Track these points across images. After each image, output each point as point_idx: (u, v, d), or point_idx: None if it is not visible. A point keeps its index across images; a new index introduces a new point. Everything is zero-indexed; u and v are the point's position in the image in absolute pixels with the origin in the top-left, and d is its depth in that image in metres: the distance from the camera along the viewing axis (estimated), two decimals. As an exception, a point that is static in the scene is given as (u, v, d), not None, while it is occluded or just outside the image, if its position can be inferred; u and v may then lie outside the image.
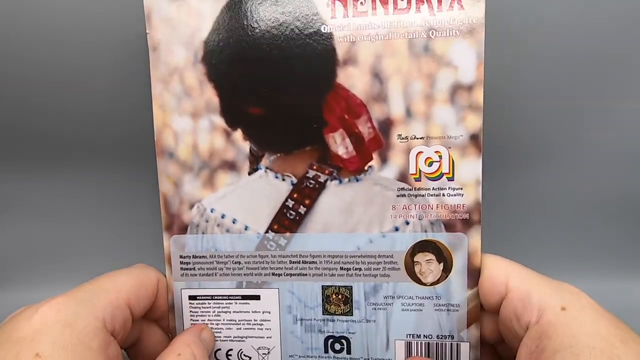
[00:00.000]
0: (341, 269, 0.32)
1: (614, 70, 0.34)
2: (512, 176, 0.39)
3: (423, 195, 0.31)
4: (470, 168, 0.31)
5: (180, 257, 0.34)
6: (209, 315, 0.34)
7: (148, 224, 0.37)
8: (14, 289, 0.39)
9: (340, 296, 0.33)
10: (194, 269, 0.34)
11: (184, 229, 0.33)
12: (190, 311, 0.34)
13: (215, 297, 0.34)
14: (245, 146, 0.32)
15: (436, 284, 0.32)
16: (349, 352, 0.33)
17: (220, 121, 0.32)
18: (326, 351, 0.33)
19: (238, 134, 0.32)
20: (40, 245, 0.39)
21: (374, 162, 0.31)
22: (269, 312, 0.33)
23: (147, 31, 0.32)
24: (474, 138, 0.30)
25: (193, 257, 0.34)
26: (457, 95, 0.30)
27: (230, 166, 0.33)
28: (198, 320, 0.33)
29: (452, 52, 0.30)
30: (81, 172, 0.40)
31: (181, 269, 0.34)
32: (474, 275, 0.31)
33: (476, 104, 0.30)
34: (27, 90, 0.36)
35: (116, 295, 0.27)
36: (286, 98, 0.31)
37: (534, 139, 0.38)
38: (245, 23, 0.30)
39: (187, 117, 0.32)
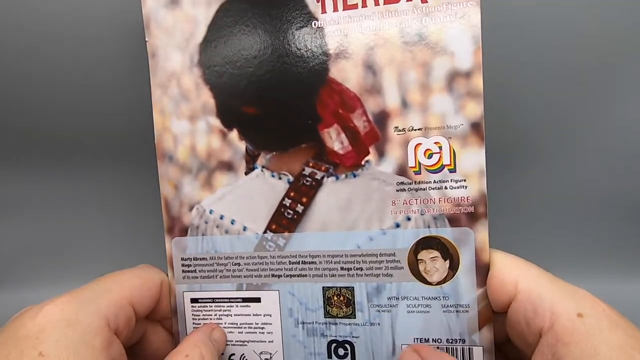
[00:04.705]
0: (342, 269, 0.21)
1: (625, 60, 0.20)
2: (520, 171, 0.23)
3: (424, 189, 0.20)
4: (473, 158, 0.20)
5: (182, 259, 0.23)
6: (210, 319, 0.23)
7: (149, 224, 0.27)
8: (14, 289, 0.29)
9: (341, 298, 0.22)
10: (195, 271, 0.23)
11: (184, 231, 0.23)
12: (193, 314, 0.23)
13: (217, 300, 0.23)
14: (241, 146, 0.22)
15: (442, 283, 0.20)
16: (353, 358, 0.21)
17: (216, 122, 0.22)
18: (329, 356, 0.22)
19: (234, 134, 0.22)
20: (41, 245, 0.29)
21: (371, 156, 0.21)
22: (270, 315, 0.22)
23: (147, 39, 0.22)
24: (475, 127, 0.19)
25: (194, 259, 0.23)
26: (455, 82, 0.20)
27: (228, 166, 0.22)
28: (200, 324, 0.23)
29: (447, 38, 0.19)
30: (82, 173, 0.29)
31: (183, 271, 0.23)
32: (483, 272, 0.19)
33: (475, 90, 0.19)
34: (28, 91, 0.26)
35: (120, 295, 0.19)
36: (279, 96, 0.21)
37: (541, 134, 0.26)
38: (237, 24, 0.21)
39: (185, 119, 0.22)
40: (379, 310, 0.20)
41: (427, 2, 0.19)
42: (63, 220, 0.30)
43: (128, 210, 0.29)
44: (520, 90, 0.24)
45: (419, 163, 0.19)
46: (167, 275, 0.22)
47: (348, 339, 0.20)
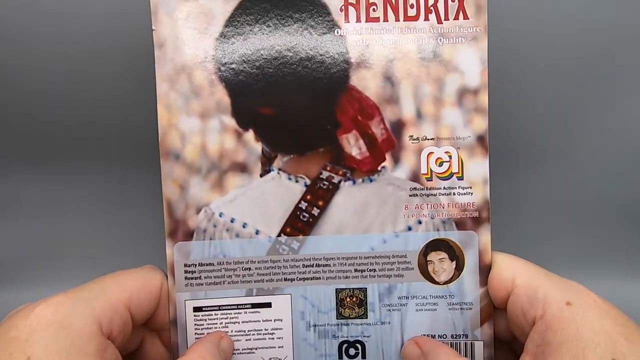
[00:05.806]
0: (355, 270, 0.22)
1: (618, 69, 0.22)
2: (519, 180, 0.26)
3: (435, 195, 0.21)
4: (478, 167, 0.21)
5: (185, 265, 0.21)
6: (215, 328, 0.21)
7: (149, 224, 0.25)
8: (14, 289, 0.28)
9: (354, 299, 0.22)
10: (199, 277, 0.21)
11: (189, 235, 0.21)
12: (195, 324, 0.21)
13: (223, 307, 0.22)
14: (257, 147, 0.21)
15: (449, 282, 0.22)
16: (363, 357, 0.22)
17: (231, 121, 0.21)
18: (340, 357, 0.22)
19: (250, 135, 0.21)
20: (40, 245, 0.28)
21: (387, 162, 0.21)
22: (281, 320, 0.22)
23: (154, 27, 0.21)
24: (480, 139, 0.21)
25: (199, 264, 0.21)
26: (464, 98, 0.21)
27: (241, 168, 0.21)
28: (204, 334, 0.21)
29: (458, 57, 0.21)
30: (82, 172, 0.27)
31: (185, 278, 0.21)
32: (485, 273, 0.21)
33: (482, 106, 0.21)
34: (29, 89, 0.25)
35: (116, 297, 0.17)
36: (299, 99, 0.21)
37: (539, 140, 0.26)
38: (258, 23, 0.20)
39: (195, 117, 0.21)
40: (389, 310, 0.21)
41: (442, 23, 0.20)
42: (63, 220, 0.27)
43: (128, 211, 0.27)
44: (520, 106, 0.27)
45: (431, 170, 0.21)
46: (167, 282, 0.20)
47: (359, 338, 0.21)
